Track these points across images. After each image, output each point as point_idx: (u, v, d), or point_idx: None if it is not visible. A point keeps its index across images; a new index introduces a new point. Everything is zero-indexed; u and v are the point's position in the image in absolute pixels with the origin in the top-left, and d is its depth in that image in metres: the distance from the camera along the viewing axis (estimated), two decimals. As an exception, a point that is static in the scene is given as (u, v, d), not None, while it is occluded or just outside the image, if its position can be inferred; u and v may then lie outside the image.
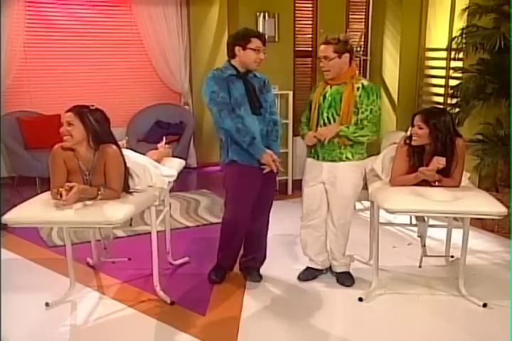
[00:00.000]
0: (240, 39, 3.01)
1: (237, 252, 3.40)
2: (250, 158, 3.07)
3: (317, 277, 3.40)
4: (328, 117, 3.09)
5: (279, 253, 3.76)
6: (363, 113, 3.03)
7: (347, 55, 3.03)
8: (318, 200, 3.24)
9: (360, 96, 3.02)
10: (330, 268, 3.43)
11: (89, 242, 3.61)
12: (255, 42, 3.00)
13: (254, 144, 3.01)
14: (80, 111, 2.79)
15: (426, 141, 3.03)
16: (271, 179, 3.24)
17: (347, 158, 3.12)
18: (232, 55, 3.06)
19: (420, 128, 3.02)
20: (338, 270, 3.37)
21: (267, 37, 5.29)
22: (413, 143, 3.06)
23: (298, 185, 3.81)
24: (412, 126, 3.08)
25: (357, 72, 3.15)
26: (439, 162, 2.90)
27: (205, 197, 5.25)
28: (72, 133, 2.77)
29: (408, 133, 3.15)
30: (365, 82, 3.08)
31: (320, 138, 3.06)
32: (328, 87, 3.11)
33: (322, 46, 3.04)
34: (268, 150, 3.05)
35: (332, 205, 3.22)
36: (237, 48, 3.02)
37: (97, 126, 2.81)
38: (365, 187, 3.30)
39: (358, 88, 3.03)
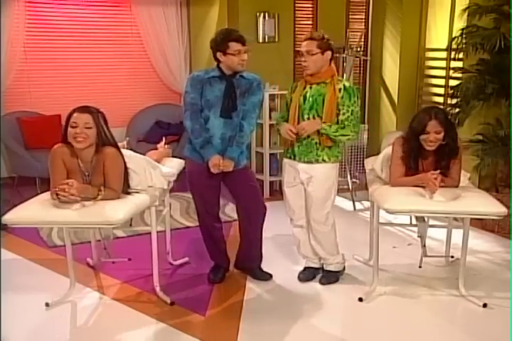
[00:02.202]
0: (220, 45, 2.99)
1: (220, 247, 3.43)
2: (190, 150, 3.18)
3: (316, 276, 3.40)
4: (309, 119, 3.09)
5: (279, 253, 3.77)
6: (344, 114, 3.05)
7: (329, 52, 3.05)
8: (299, 200, 3.26)
9: (342, 98, 3.04)
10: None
11: (89, 242, 3.61)
12: (234, 47, 2.97)
13: (205, 148, 3.07)
14: (96, 114, 2.81)
15: (440, 143, 3.00)
16: (239, 177, 3.20)
17: (323, 160, 3.13)
18: (216, 59, 3.06)
19: (438, 133, 2.95)
20: (327, 268, 3.39)
21: (266, 37, 5.41)
22: (429, 149, 2.99)
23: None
24: (425, 133, 2.96)
25: (336, 72, 3.17)
26: (434, 177, 2.88)
27: (205, 197, 5.23)
28: (89, 135, 2.78)
29: (421, 139, 3.00)
30: (347, 83, 3.10)
31: (300, 132, 3.03)
32: (308, 86, 3.10)
33: (306, 41, 3.04)
34: (217, 155, 3.06)
35: (309, 208, 3.23)
36: (218, 54, 3.02)
37: (105, 129, 2.85)
38: (365, 187, 3.30)
39: (339, 89, 3.04)
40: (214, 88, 3.06)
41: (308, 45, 3.03)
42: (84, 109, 2.81)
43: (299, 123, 3.09)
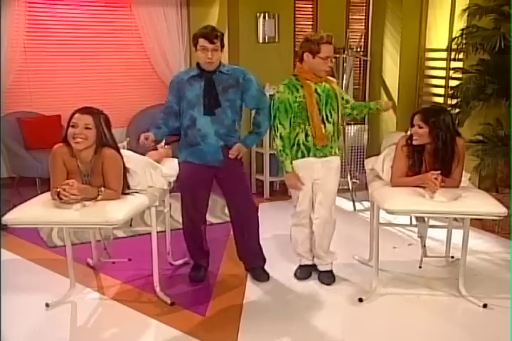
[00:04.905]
0: (193, 40, 3.05)
1: (203, 248, 3.43)
2: (186, 154, 3.17)
3: (312, 274, 3.42)
4: (326, 114, 3.12)
5: (279, 253, 3.76)
6: (348, 101, 3.36)
7: None
8: (309, 200, 3.27)
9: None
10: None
11: (89, 243, 3.61)
12: (201, 42, 2.99)
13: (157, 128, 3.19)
14: (97, 115, 2.83)
15: (427, 140, 3.03)
16: (233, 175, 3.22)
17: (335, 152, 3.21)
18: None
19: (420, 128, 3.02)
20: (321, 269, 3.41)
21: (266, 37, 5.41)
22: (414, 142, 3.06)
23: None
24: (412, 125, 3.09)
25: None
26: (434, 177, 2.89)
27: (205, 197, 5.23)
28: (88, 136, 2.79)
29: (408, 133, 3.16)
30: (332, 78, 3.33)
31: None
32: (312, 84, 3.12)
33: (330, 46, 3.05)
34: (149, 134, 3.14)
35: (321, 202, 3.24)
36: (195, 49, 3.06)
37: (106, 131, 2.85)
38: (365, 187, 3.30)
39: (338, 84, 3.26)
40: (194, 87, 3.08)
41: (332, 50, 3.08)
42: (85, 110, 2.82)
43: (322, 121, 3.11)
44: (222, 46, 3.05)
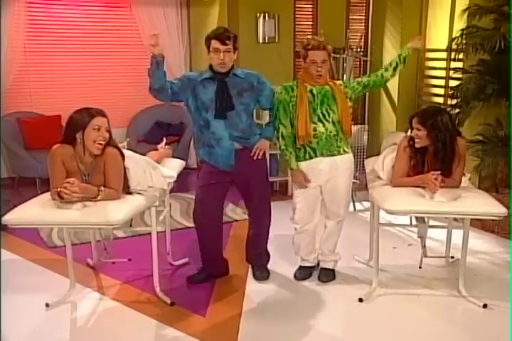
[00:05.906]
0: (205, 41, 3.02)
1: (213, 254, 3.39)
2: (203, 153, 3.16)
3: (312, 274, 3.43)
4: (322, 113, 3.11)
5: (279, 254, 3.76)
6: (359, 81, 3.25)
7: None
8: (313, 204, 3.27)
9: (346, 87, 3.18)
10: (318, 264, 3.50)
11: (89, 243, 3.61)
12: (213, 44, 2.96)
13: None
14: (108, 118, 2.85)
15: (427, 142, 3.03)
16: (251, 177, 3.20)
17: (344, 151, 3.18)
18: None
19: (419, 130, 3.02)
20: (324, 266, 3.43)
21: (267, 37, 5.41)
22: (416, 145, 3.06)
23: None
24: (411, 128, 3.09)
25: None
26: (434, 177, 2.89)
27: (205, 197, 5.23)
28: (107, 138, 2.83)
29: (408, 134, 3.16)
30: (339, 81, 3.32)
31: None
32: (310, 86, 3.13)
33: (318, 52, 3.05)
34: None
35: (333, 203, 3.25)
36: (208, 52, 3.03)
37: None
38: (365, 187, 3.30)
39: (339, 84, 3.19)
40: (207, 90, 3.04)
41: (324, 55, 3.07)
42: (103, 113, 2.84)
43: (311, 119, 3.09)
44: (236, 48, 3.01)
